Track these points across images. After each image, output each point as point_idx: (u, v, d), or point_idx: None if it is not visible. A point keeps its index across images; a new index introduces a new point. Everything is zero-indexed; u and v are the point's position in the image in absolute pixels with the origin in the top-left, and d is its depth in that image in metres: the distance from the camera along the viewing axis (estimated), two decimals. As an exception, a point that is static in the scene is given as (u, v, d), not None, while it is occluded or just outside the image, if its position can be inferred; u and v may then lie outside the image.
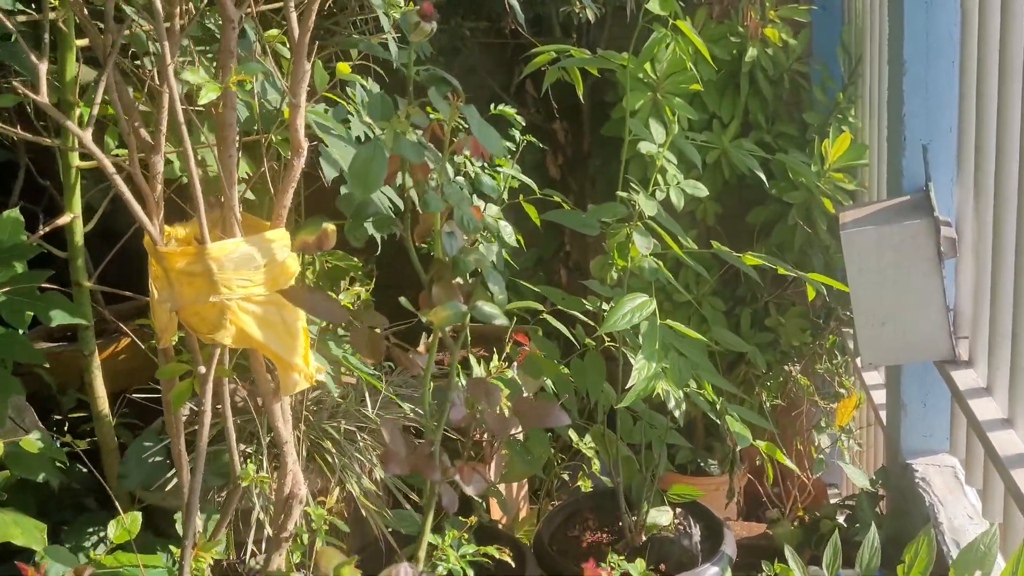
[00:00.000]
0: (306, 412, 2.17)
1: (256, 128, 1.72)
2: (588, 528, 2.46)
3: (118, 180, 1.36)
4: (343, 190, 1.73)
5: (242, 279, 1.40)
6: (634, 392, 1.97)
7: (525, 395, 2.32)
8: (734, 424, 2.12)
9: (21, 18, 1.78)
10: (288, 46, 1.52)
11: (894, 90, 2.07)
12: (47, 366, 2.21)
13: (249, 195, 1.71)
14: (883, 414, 2.45)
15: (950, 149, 2.00)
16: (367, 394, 2.26)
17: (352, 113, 1.87)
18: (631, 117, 2.24)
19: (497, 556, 2.03)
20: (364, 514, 2.14)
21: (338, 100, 1.87)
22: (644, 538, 2.34)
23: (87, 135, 1.35)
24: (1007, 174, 1.72)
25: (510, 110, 2.33)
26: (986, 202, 1.82)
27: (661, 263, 2.13)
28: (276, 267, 1.43)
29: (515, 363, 2.43)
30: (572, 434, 2.48)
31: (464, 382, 1.71)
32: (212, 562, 1.66)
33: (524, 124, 2.41)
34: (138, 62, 1.71)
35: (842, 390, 2.89)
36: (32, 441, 1.88)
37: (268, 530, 1.97)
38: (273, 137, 1.71)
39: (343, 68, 1.74)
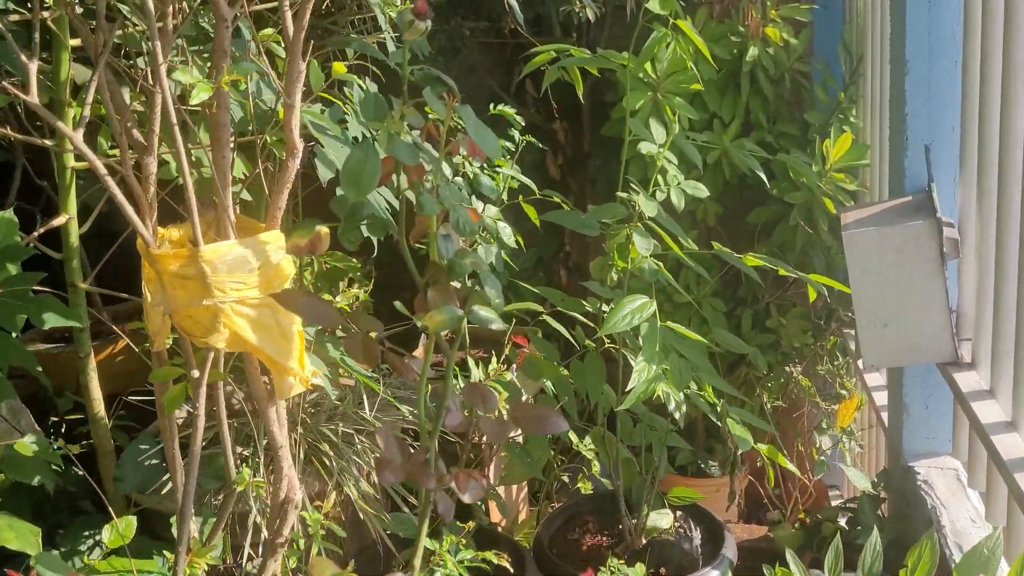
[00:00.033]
0: (303, 415, 2.15)
1: (251, 129, 1.71)
2: (588, 531, 2.45)
3: (110, 181, 1.35)
4: (339, 191, 1.71)
5: (236, 282, 1.38)
6: (634, 394, 1.96)
7: (524, 399, 2.31)
8: (735, 427, 2.11)
9: (13, 17, 1.76)
10: (283, 45, 1.50)
11: (896, 89, 2.06)
12: (42, 369, 2.20)
13: (246, 196, 1.70)
14: (885, 416, 2.44)
15: (953, 149, 1.99)
16: (365, 396, 2.25)
17: (349, 114, 1.86)
18: (631, 117, 2.23)
19: (495, 562, 2.02)
20: (362, 517, 2.13)
21: (335, 100, 1.85)
22: (644, 541, 2.33)
23: (78, 135, 1.33)
24: (1010, 174, 1.70)
25: (510, 110, 2.32)
26: (989, 203, 1.81)
27: (661, 264, 2.12)
28: (271, 270, 1.41)
29: (514, 365, 2.42)
30: (572, 436, 2.46)
31: (461, 387, 1.69)
32: (208, 567, 1.65)
33: (524, 124, 2.41)
34: (131, 62, 1.70)
35: (843, 392, 2.88)
36: (27, 444, 1.86)
37: (264, 534, 1.95)
38: (268, 138, 1.69)
39: (339, 68, 1.73)
